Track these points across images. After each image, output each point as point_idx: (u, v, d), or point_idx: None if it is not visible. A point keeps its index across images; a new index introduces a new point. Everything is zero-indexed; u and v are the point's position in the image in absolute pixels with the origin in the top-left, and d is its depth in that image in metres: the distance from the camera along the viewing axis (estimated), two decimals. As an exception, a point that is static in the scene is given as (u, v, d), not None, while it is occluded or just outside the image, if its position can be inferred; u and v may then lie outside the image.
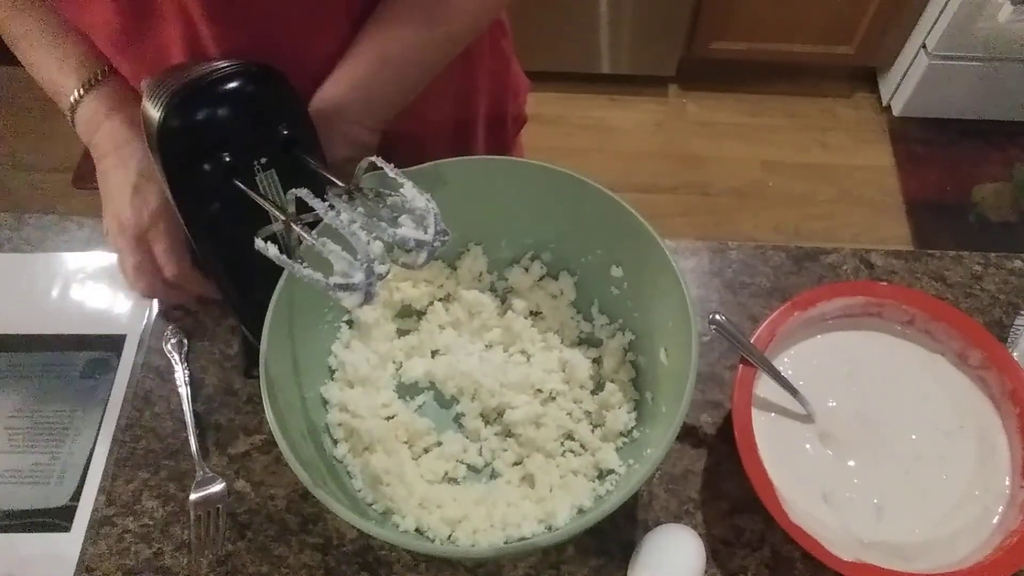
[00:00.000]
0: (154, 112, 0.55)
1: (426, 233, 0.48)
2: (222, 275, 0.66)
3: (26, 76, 0.68)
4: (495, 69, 0.82)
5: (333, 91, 0.64)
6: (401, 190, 0.50)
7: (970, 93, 1.96)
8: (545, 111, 2.12)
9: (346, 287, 0.45)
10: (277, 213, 0.51)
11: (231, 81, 0.56)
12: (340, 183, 0.54)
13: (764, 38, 1.97)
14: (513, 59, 0.86)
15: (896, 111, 2.05)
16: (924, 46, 1.88)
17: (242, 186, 0.56)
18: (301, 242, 0.49)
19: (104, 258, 0.80)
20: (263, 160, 0.58)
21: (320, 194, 0.49)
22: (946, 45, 1.83)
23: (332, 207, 0.48)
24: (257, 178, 0.59)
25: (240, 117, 0.56)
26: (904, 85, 2.00)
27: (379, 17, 0.64)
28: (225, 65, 0.56)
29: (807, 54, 2.00)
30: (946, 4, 1.77)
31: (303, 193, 0.49)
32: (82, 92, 0.66)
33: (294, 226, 0.49)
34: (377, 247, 0.46)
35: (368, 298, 0.45)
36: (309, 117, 0.61)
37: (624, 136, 2.12)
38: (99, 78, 0.67)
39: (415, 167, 0.61)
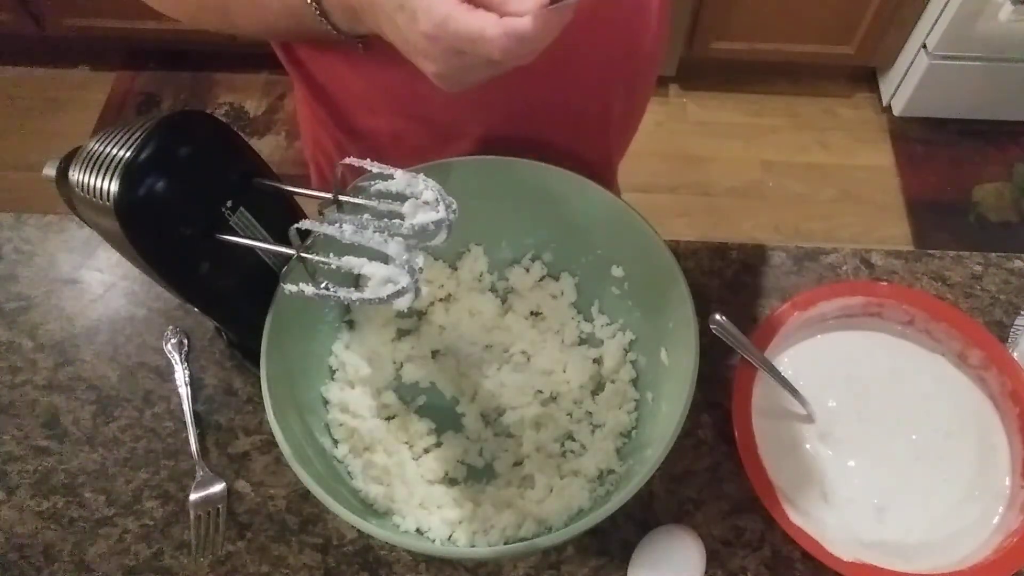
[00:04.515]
0: (108, 188, 0.50)
1: (438, 211, 0.48)
2: (222, 321, 0.66)
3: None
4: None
5: None
6: (392, 180, 0.50)
7: (970, 93, 1.95)
8: (545, 111, 2.12)
9: (398, 294, 0.46)
10: (285, 250, 0.51)
11: (171, 136, 0.51)
12: (321, 194, 0.54)
13: (764, 38, 1.97)
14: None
15: (896, 111, 2.04)
16: (924, 46, 1.87)
17: (233, 238, 0.54)
18: (315, 271, 0.50)
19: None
20: (229, 203, 0.55)
21: (288, 214, 0.49)
22: (946, 45, 1.83)
23: (340, 225, 0.48)
24: (231, 223, 0.55)
25: (196, 170, 0.53)
26: (904, 85, 2.00)
27: None
28: (151, 123, 0.51)
29: (807, 54, 2.00)
30: (946, 4, 1.77)
31: (308, 224, 0.49)
32: None
33: (308, 256, 0.50)
34: (397, 243, 0.47)
35: (417, 293, 0.46)
36: (244, 140, 0.58)
37: (624, 136, 2.11)
38: None
39: (413, 167, 0.61)
